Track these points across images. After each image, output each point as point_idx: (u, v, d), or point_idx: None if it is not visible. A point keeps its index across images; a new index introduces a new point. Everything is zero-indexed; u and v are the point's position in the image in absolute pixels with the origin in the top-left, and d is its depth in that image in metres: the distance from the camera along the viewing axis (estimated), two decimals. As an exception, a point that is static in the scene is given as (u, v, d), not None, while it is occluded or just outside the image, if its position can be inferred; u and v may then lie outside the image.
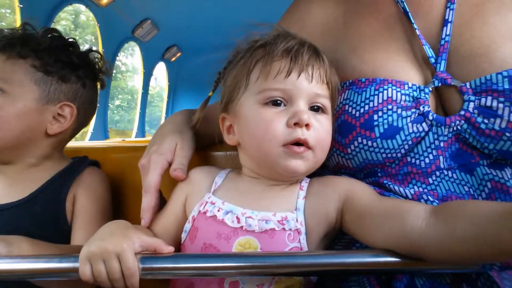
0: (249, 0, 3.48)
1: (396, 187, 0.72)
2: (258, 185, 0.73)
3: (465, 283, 0.65)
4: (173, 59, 5.54)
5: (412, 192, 0.71)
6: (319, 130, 0.69)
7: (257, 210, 0.68)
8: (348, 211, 0.68)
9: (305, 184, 0.73)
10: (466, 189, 0.70)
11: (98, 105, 1.15)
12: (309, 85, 0.69)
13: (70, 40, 1.06)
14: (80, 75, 1.02)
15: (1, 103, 0.92)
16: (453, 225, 0.55)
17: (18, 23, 2.45)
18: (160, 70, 5.89)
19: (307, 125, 0.67)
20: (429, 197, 0.69)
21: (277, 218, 0.68)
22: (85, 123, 1.10)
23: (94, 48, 1.10)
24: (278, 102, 0.69)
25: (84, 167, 1.01)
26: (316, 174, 0.76)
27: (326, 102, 0.71)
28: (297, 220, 0.68)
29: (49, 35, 1.01)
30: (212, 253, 0.64)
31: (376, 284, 0.70)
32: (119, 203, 1.09)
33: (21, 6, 2.46)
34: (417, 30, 0.77)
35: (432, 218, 0.58)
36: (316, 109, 0.70)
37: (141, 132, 5.15)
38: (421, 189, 0.71)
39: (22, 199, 0.93)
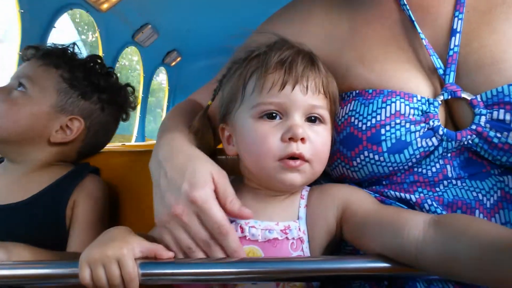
0: (250, 5, 3.49)
1: (401, 194, 0.71)
2: (260, 195, 0.73)
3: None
4: (173, 63, 5.54)
5: (417, 196, 0.69)
6: (316, 142, 0.68)
7: (260, 220, 0.69)
8: (347, 220, 0.68)
9: (305, 192, 0.73)
10: (475, 194, 0.68)
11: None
12: (304, 97, 0.68)
13: (109, 68, 1.10)
14: (102, 98, 1.06)
15: (19, 98, 0.97)
16: (453, 244, 0.53)
17: (19, 26, 2.46)
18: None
19: (302, 139, 0.66)
20: (433, 202, 0.68)
21: (280, 228, 0.68)
22: (95, 146, 1.11)
23: (130, 84, 1.15)
24: (274, 115, 0.68)
25: (85, 174, 1.01)
26: (318, 182, 0.76)
27: (323, 112, 0.70)
28: (299, 229, 0.69)
29: (88, 58, 1.08)
30: (212, 258, 0.64)
31: None
32: (118, 208, 1.09)
33: (22, 11, 2.47)
34: (424, 40, 0.75)
35: (431, 231, 0.56)
36: (313, 119, 0.69)
37: (141, 136, 5.15)
38: (426, 196, 0.70)
39: (22, 201, 0.94)
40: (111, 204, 1.04)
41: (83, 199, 0.97)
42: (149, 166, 0.75)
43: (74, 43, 1.11)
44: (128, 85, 1.15)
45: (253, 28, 0.89)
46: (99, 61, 1.10)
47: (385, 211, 0.66)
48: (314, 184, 0.76)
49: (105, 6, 3.18)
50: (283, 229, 0.69)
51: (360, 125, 0.72)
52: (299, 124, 0.67)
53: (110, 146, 1.17)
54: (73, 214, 0.96)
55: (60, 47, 1.07)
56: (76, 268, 0.60)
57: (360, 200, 0.70)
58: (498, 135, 0.67)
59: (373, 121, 0.71)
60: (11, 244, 0.79)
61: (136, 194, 1.01)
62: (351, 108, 0.74)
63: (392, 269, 0.59)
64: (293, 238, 0.68)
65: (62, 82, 1.01)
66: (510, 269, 0.45)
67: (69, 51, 1.08)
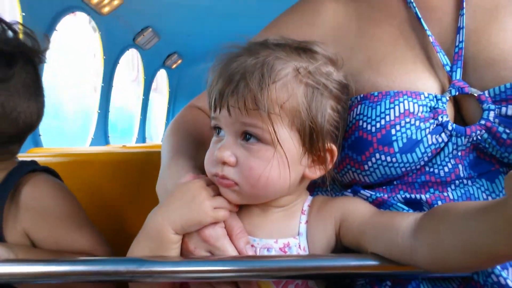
0: (250, 8, 3.51)
1: (411, 195, 0.71)
2: (257, 209, 0.70)
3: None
4: (174, 66, 5.57)
5: (427, 196, 0.69)
6: (244, 165, 0.64)
7: (258, 237, 0.68)
8: (345, 232, 0.68)
9: (307, 208, 0.71)
10: (485, 196, 0.68)
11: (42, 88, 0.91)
12: (233, 117, 0.64)
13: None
14: None
15: None
16: (438, 235, 0.53)
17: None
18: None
19: (224, 162, 0.64)
20: (444, 202, 0.68)
21: (278, 245, 0.67)
22: (24, 119, 0.86)
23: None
24: (218, 129, 0.68)
25: (17, 178, 0.87)
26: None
27: (258, 131, 0.63)
28: (299, 246, 0.67)
29: None
30: (211, 256, 0.64)
31: None
32: (121, 209, 1.09)
33: (23, 14, 2.48)
34: (430, 37, 0.75)
35: (419, 228, 0.57)
36: (248, 138, 0.64)
37: (142, 138, 5.16)
38: (437, 196, 0.70)
39: None
40: (113, 203, 1.01)
41: (25, 217, 0.85)
42: (156, 190, 0.76)
43: None
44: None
45: (254, 31, 0.89)
46: None
47: (380, 217, 0.66)
48: (322, 189, 0.76)
49: (106, 9, 3.20)
50: (282, 247, 0.67)
51: (369, 127, 0.71)
52: (225, 146, 0.65)
53: (111, 147, 1.17)
54: (28, 234, 0.85)
55: None
56: (75, 266, 0.61)
57: (355, 210, 0.69)
58: (507, 130, 0.66)
59: (383, 122, 0.70)
60: (13, 244, 0.80)
61: (141, 193, 1.00)
62: (358, 112, 0.73)
63: (382, 266, 0.60)
64: None
65: None
66: (488, 233, 0.46)
67: None
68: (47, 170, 0.94)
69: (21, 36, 0.89)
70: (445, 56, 0.74)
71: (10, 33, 0.87)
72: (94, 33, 3.79)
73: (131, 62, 5.48)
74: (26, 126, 0.87)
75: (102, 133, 3.87)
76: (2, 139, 0.85)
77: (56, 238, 0.86)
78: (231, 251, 0.64)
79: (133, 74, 5.58)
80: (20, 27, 0.89)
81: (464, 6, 0.76)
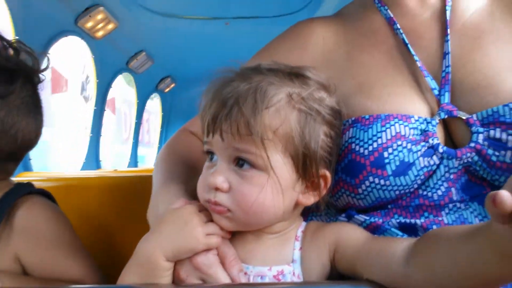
0: (242, 34, 3.56)
1: (405, 220, 0.70)
2: (251, 236, 0.69)
3: None
4: (167, 90, 5.59)
5: (422, 221, 0.69)
6: (237, 192, 0.63)
7: (252, 265, 0.67)
8: (339, 258, 0.67)
9: (300, 234, 0.71)
10: (478, 220, 0.68)
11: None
12: (226, 142, 0.63)
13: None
14: None
15: None
16: (430, 260, 0.53)
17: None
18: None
19: (217, 188, 0.64)
20: (439, 227, 0.68)
21: (272, 273, 0.66)
22: (23, 136, 0.85)
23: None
24: (210, 154, 0.67)
25: (13, 200, 0.85)
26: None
27: (251, 157, 0.63)
28: (293, 273, 0.66)
29: None
30: (203, 284, 0.64)
31: None
32: (113, 233, 1.08)
33: (17, 37, 2.50)
34: (418, 62, 0.77)
35: (412, 254, 0.56)
36: (241, 164, 0.64)
37: (134, 162, 5.13)
38: (432, 220, 0.69)
39: None
40: (107, 228, 0.99)
41: (18, 240, 0.83)
42: (147, 216, 0.75)
43: None
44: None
45: (247, 56, 0.90)
46: None
47: (374, 243, 0.65)
48: (316, 214, 0.75)
49: (100, 33, 3.23)
50: (276, 274, 0.66)
51: (361, 150, 0.71)
52: (218, 171, 0.64)
53: (102, 171, 1.17)
54: (21, 261, 0.83)
55: None
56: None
57: (349, 236, 0.68)
58: (496, 153, 0.67)
59: (375, 145, 0.70)
60: (2, 273, 0.78)
61: (129, 217, 0.99)
62: (350, 135, 0.73)
63: None
64: None
65: None
66: (480, 256, 0.46)
67: None
68: (43, 193, 0.92)
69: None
70: (433, 81, 0.76)
71: (10, 51, 0.88)
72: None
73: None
74: (25, 144, 0.87)
75: (93, 157, 3.85)
76: (0, 156, 0.84)
77: (48, 264, 0.84)
78: (224, 279, 0.63)
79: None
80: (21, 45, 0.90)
81: (449, 32, 0.78)
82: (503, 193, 0.37)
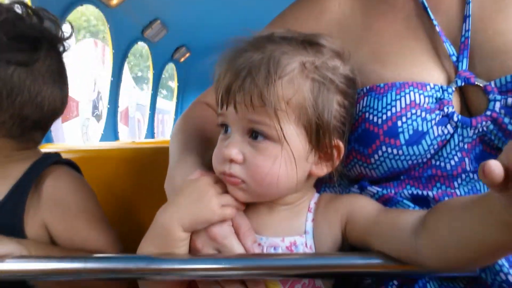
0: (259, 1, 3.48)
1: (418, 191, 0.70)
2: (264, 207, 0.70)
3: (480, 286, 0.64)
4: (182, 59, 5.55)
5: (434, 192, 0.69)
6: (251, 164, 0.64)
7: (265, 236, 0.68)
8: (351, 230, 0.68)
9: (313, 205, 0.71)
10: None
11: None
12: (240, 114, 0.64)
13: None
14: None
15: None
16: (437, 232, 0.54)
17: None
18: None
19: (232, 160, 0.64)
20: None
21: (285, 244, 0.67)
22: (48, 104, 0.85)
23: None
24: (225, 126, 0.68)
25: (40, 171, 0.87)
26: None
27: (264, 128, 0.63)
28: (306, 244, 0.67)
29: None
30: (218, 254, 0.65)
31: None
32: (131, 204, 1.09)
33: (33, 6, 2.49)
34: (437, 27, 0.75)
35: (422, 226, 0.57)
36: (255, 136, 0.64)
37: (150, 133, 5.17)
38: (444, 192, 0.69)
39: None
40: (123, 200, 1.02)
41: (46, 209, 0.85)
42: (164, 187, 0.77)
43: None
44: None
45: (262, 24, 0.88)
46: None
47: (386, 215, 0.66)
48: (329, 185, 0.75)
49: (114, 1, 3.20)
50: (289, 245, 0.67)
51: (375, 119, 0.70)
52: (233, 143, 0.65)
53: (121, 143, 1.18)
54: (47, 227, 0.85)
55: None
56: (86, 263, 0.61)
57: (361, 208, 0.68)
58: None
59: (389, 114, 0.70)
60: (26, 240, 0.80)
61: (152, 189, 1.00)
62: (364, 104, 0.73)
63: (387, 265, 0.60)
64: None
65: None
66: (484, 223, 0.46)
67: None
68: (69, 163, 0.94)
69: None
70: (452, 46, 0.74)
71: (35, 19, 0.88)
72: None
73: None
74: (51, 112, 0.88)
75: (111, 129, 3.89)
76: (27, 124, 0.85)
77: (72, 233, 0.87)
78: (238, 250, 0.65)
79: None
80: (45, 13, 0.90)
81: None
82: (492, 163, 0.37)
